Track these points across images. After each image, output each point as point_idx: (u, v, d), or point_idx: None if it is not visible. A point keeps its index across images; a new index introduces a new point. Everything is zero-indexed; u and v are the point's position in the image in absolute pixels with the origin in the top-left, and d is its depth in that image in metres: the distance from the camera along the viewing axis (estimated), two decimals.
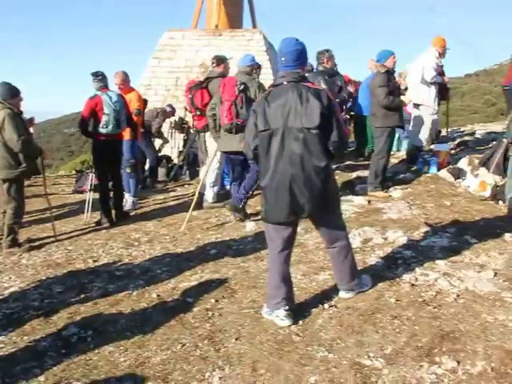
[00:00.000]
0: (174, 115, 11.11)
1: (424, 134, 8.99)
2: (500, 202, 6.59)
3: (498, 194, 6.76)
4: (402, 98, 7.47)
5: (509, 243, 5.17)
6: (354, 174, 8.49)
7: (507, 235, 5.33)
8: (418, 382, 2.99)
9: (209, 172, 7.44)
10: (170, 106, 11.25)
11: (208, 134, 7.48)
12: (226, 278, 4.73)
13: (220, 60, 7.56)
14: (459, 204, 6.69)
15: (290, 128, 3.57)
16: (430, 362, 3.16)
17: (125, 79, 8.01)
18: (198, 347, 3.54)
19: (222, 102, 6.36)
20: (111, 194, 7.36)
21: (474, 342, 3.35)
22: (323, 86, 7.38)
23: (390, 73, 7.26)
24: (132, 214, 7.77)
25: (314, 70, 8.64)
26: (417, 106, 8.82)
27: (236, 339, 3.60)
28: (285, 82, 3.68)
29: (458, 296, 4.02)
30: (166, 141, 11.06)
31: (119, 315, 4.14)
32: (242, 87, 6.13)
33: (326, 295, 4.15)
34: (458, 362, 3.14)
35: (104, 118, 6.75)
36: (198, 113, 7.55)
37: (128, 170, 7.89)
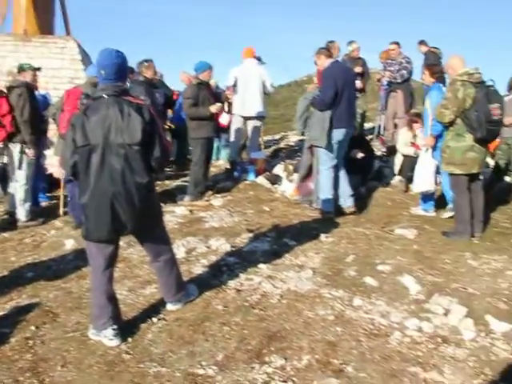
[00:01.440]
0: None
1: (257, 143, 9.29)
2: (314, 205, 7.04)
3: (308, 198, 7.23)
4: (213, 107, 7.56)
5: (324, 243, 5.56)
6: (175, 184, 8.53)
7: (322, 235, 5.74)
8: (250, 383, 3.07)
9: (16, 188, 6.95)
10: None
11: (12, 144, 6.96)
12: (47, 301, 4.39)
13: (21, 68, 7.10)
14: (277, 209, 7.04)
15: (111, 144, 3.42)
16: (260, 363, 3.26)
17: None
18: (18, 382, 3.22)
19: (63, 110, 6.11)
20: None
21: (299, 339, 3.53)
22: (143, 97, 7.29)
23: (202, 84, 7.41)
24: None
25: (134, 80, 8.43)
26: (248, 118, 8.74)
27: (62, 366, 3.36)
28: (105, 96, 3.51)
29: (281, 297, 4.20)
30: None
31: None
32: (85, 100, 5.87)
33: (155, 309, 4.08)
34: (286, 359, 3.29)
35: None
36: None
37: None
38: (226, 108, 8.65)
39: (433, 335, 3.60)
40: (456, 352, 3.39)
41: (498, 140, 7.28)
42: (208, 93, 7.48)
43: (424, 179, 6.55)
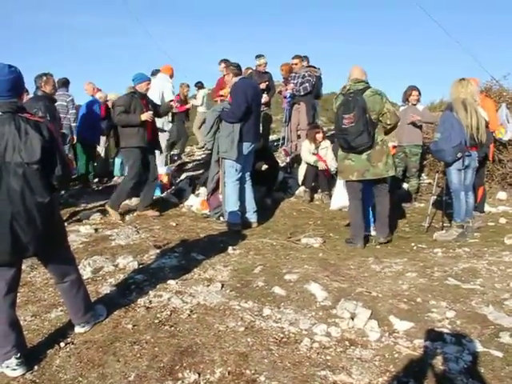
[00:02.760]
0: None
1: (162, 158, 9.24)
2: (221, 218, 7.09)
3: (219, 210, 7.27)
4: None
5: (231, 255, 5.61)
6: (79, 203, 8.30)
7: (230, 248, 5.80)
8: None
9: None
10: None
11: None
12: None
13: None
14: (184, 223, 7.03)
15: (8, 163, 3.28)
16: (173, 380, 3.22)
17: None
18: None
19: None
20: None
21: (210, 352, 3.52)
22: (41, 113, 7.03)
23: (136, 94, 7.30)
24: None
25: (33, 95, 8.10)
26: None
27: None
28: (0, 113, 3.41)
29: (191, 311, 4.18)
30: None
31: None
32: None
33: (62, 333, 3.91)
34: (199, 374, 3.27)
35: None
36: None
37: None
38: (170, 117, 8.66)
39: (340, 339, 3.72)
40: (363, 353, 3.52)
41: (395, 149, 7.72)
42: (141, 103, 7.33)
43: (340, 195, 6.85)
